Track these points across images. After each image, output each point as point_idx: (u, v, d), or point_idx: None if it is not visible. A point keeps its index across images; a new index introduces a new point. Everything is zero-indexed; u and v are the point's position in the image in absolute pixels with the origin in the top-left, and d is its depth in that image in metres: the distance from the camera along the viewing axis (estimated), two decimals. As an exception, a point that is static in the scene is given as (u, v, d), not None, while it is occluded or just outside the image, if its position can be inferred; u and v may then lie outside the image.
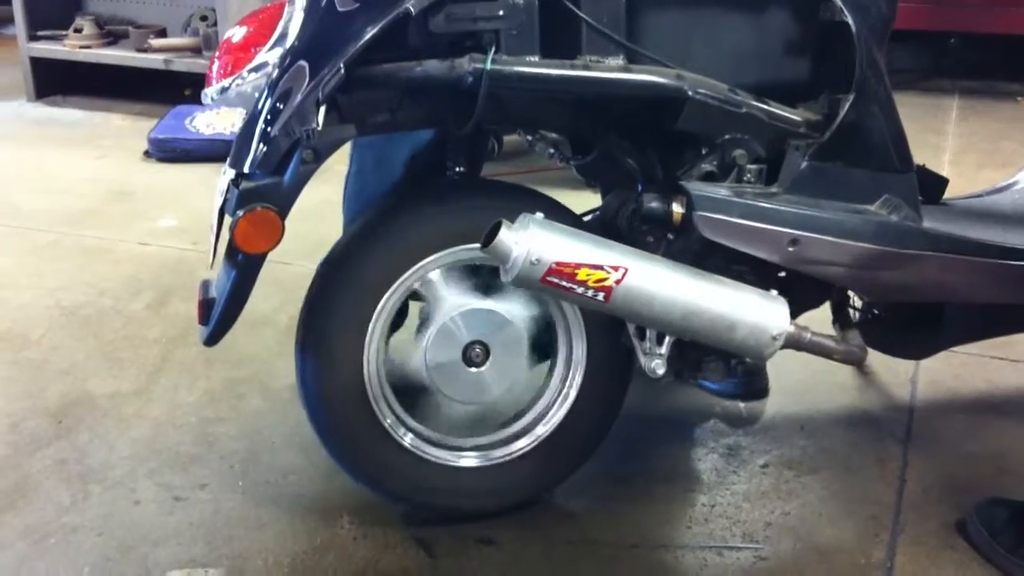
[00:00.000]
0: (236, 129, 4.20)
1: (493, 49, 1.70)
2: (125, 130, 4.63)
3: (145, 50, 4.79)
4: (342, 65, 1.63)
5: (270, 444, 2.27)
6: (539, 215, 1.70)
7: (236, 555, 1.93)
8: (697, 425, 2.36)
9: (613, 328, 1.89)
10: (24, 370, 2.58)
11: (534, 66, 1.72)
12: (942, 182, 2.16)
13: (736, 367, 2.00)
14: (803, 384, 2.48)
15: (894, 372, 2.51)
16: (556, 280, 1.66)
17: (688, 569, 1.90)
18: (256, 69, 1.91)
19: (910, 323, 2.16)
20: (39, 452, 2.24)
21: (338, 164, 1.97)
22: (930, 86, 5.13)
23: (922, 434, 2.32)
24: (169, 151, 4.19)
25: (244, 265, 1.76)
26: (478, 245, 1.72)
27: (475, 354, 1.88)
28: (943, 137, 4.43)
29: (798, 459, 2.22)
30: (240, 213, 1.68)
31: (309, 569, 1.90)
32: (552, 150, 2.13)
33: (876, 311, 2.21)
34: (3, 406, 2.42)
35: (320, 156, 1.70)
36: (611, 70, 1.75)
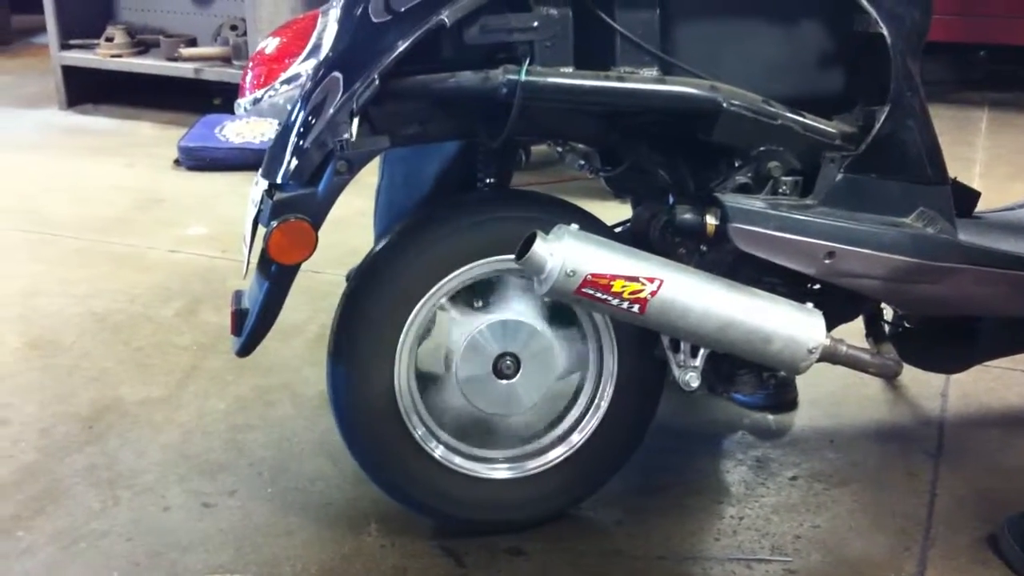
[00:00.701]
0: (266, 138, 4.27)
1: (527, 60, 1.70)
2: (155, 139, 4.66)
3: (175, 59, 4.82)
4: (376, 76, 1.64)
5: (299, 451, 2.28)
6: (574, 226, 1.70)
7: (264, 562, 1.94)
8: (725, 437, 2.35)
9: (645, 340, 1.88)
10: (55, 376, 2.60)
11: (568, 77, 1.72)
12: (974, 195, 2.15)
13: (768, 380, 1.99)
14: (833, 397, 2.47)
15: (925, 385, 2.49)
16: (591, 292, 1.65)
17: (716, 581, 1.90)
18: (289, 80, 1.92)
19: (944, 337, 2.14)
20: (69, 457, 2.26)
21: (369, 176, 1.98)
22: (959, 98, 5.09)
23: (953, 448, 2.30)
24: (199, 160, 4.22)
25: (277, 276, 1.76)
26: (511, 256, 1.72)
27: (506, 366, 1.88)
28: (973, 150, 4.41)
29: (828, 472, 2.21)
30: (274, 224, 1.68)
31: (337, 577, 1.91)
32: (582, 161, 2.13)
33: (909, 324, 2.19)
34: (34, 411, 2.44)
35: (354, 167, 1.70)
36: (645, 81, 1.74)
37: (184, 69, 4.79)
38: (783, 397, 2.43)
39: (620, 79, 1.74)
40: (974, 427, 2.39)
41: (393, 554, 1.96)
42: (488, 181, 2.03)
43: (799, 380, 2.42)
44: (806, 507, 2.10)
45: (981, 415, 2.43)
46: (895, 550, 1.98)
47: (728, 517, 2.07)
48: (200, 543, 1.99)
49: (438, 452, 1.94)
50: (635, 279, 1.67)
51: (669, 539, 2.01)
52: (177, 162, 4.28)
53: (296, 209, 1.69)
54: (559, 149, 2.16)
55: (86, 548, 1.97)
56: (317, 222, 1.70)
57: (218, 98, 4.83)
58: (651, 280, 1.67)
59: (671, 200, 1.91)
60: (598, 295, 1.66)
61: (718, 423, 2.40)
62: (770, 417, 2.41)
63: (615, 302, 1.67)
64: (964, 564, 1.94)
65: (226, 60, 4.76)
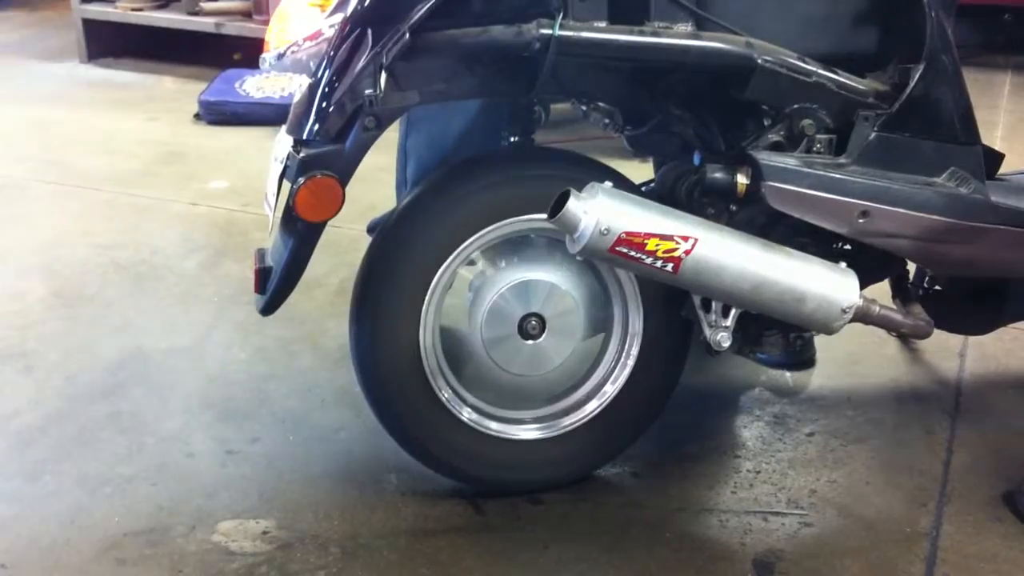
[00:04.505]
0: (286, 93, 4.26)
1: (561, 14, 1.67)
2: (176, 93, 4.67)
3: (196, 13, 4.82)
4: (406, 30, 1.61)
5: (321, 401, 2.30)
6: (607, 184, 1.69)
7: (287, 508, 1.97)
8: (742, 394, 2.37)
9: (671, 300, 1.87)
10: (80, 325, 2.63)
11: (602, 32, 1.70)
12: (998, 157, 2.14)
13: (795, 341, 1.99)
14: (851, 356, 2.48)
15: (943, 346, 2.50)
16: (625, 250, 1.64)
17: (732, 532, 1.92)
18: (313, 37, 1.91)
19: (971, 298, 2.14)
20: (94, 404, 2.29)
21: (387, 132, 1.99)
22: (983, 62, 5.06)
23: (970, 407, 2.31)
24: (219, 114, 4.23)
25: (303, 233, 1.75)
26: (540, 216, 1.70)
27: (531, 326, 1.88)
28: (995, 113, 4.38)
29: (844, 429, 2.23)
30: (301, 180, 1.66)
31: (358, 523, 1.93)
32: (607, 120, 2.11)
33: (936, 286, 2.19)
34: (59, 359, 2.47)
35: (382, 123, 1.69)
36: (680, 37, 1.72)
37: (205, 23, 4.80)
38: (801, 355, 2.44)
39: (655, 34, 1.71)
40: (991, 387, 2.40)
41: (414, 502, 1.99)
42: (513, 139, 2.02)
43: (817, 339, 2.43)
44: (823, 463, 2.11)
45: (999, 375, 2.44)
46: (911, 506, 1.99)
47: (745, 471, 2.09)
48: (224, 489, 2.02)
49: (465, 415, 1.93)
50: (669, 238, 1.65)
51: (686, 492, 2.03)
52: (198, 116, 4.29)
53: (323, 166, 1.67)
54: (583, 108, 2.15)
55: (112, 492, 2.01)
56: (345, 179, 1.69)
57: (238, 53, 4.83)
58: (685, 239, 1.66)
59: (698, 159, 1.90)
60: (632, 254, 1.64)
61: (735, 380, 2.42)
62: (788, 375, 2.43)
63: (649, 261, 1.66)
64: (980, 521, 1.95)
65: (247, 15, 4.75)
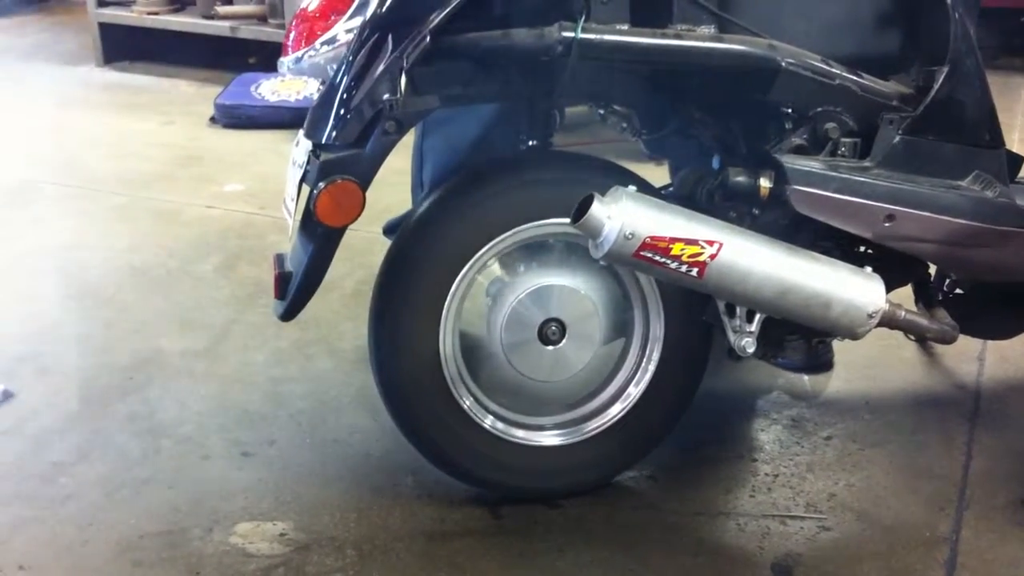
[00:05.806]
0: (301, 97, 4.26)
1: (583, 17, 1.66)
2: (191, 96, 4.69)
3: (212, 17, 4.84)
4: (427, 33, 1.60)
5: (337, 404, 2.30)
6: (631, 188, 1.67)
7: (304, 510, 1.97)
8: (760, 397, 2.36)
9: (692, 303, 1.86)
10: (96, 328, 2.64)
11: (625, 35, 1.69)
12: (1018, 160, 2.13)
13: (818, 345, 1.97)
14: (869, 360, 2.47)
15: (961, 350, 2.49)
16: (649, 255, 1.62)
17: (751, 537, 1.91)
18: (329, 42, 1.91)
19: (994, 303, 2.12)
20: (111, 407, 2.29)
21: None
22: (999, 64, 5.04)
23: (990, 411, 2.30)
24: (235, 117, 4.25)
25: (324, 237, 1.74)
26: (561, 220, 1.69)
27: (551, 332, 1.87)
28: (1013, 116, 4.36)
29: (863, 432, 2.21)
30: (321, 185, 1.65)
31: (375, 526, 1.93)
32: (625, 124, 2.11)
33: (958, 290, 2.17)
34: (76, 362, 2.47)
35: (403, 127, 1.68)
36: (703, 39, 1.71)
37: (220, 27, 4.81)
38: (819, 359, 2.43)
39: (677, 37, 1.70)
40: (1011, 391, 2.38)
41: (431, 504, 1.98)
42: (531, 142, 2.01)
43: (835, 342, 2.42)
44: (841, 466, 2.10)
45: (1018, 379, 2.42)
46: (930, 510, 1.98)
47: (763, 474, 2.08)
48: (240, 491, 2.02)
49: (487, 422, 1.92)
50: (695, 242, 1.63)
51: (703, 495, 2.02)
52: (213, 119, 4.31)
53: (344, 170, 1.66)
54: (600, 111, 2.14)
55: (128, 494, 2.01)
56: (365, 183, 1.68)
57: (253, 57, 4.84)
58: (711, 243, 1.64)
59: (717, 162, 1.89)
60: (656, 258, 1.62)
61: (752, 383, 2.41)
62: (805, 378, 2.42)
63: (674, 266, 1.64)
64: (999, 525, 1.94)
65: (262, 18, 4.77)
